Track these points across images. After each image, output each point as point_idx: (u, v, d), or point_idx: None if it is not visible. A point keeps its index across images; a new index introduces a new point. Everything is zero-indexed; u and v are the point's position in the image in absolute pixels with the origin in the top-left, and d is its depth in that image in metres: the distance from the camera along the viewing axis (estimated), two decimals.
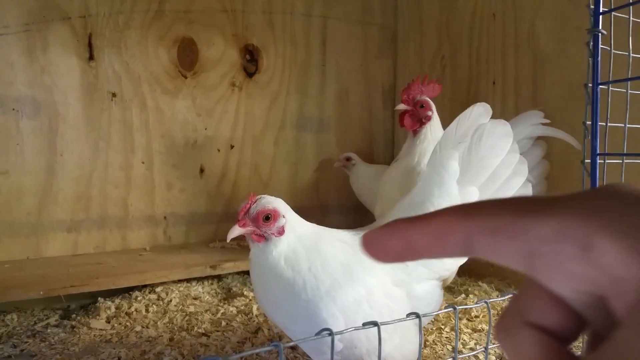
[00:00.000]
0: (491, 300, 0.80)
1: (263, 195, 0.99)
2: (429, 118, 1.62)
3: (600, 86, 0.80)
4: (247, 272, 1.91)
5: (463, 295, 1.69)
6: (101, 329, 1.50)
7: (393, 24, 2.47)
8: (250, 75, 2.14)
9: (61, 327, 1.51)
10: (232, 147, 2.12)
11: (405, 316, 0.67)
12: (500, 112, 1.98)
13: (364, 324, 0.65)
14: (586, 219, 0.22)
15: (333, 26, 2.31)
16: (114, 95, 1.89)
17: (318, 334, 0.62)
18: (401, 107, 1.62)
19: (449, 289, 1.81)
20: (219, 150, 2.10)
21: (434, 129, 1.62)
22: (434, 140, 1.59)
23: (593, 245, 0.21)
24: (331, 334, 0.61)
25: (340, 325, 0.92)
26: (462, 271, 2.00)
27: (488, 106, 1.13)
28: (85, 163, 1.85)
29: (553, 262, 0.22)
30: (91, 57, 1.85)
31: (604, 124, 0.81)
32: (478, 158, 1.11)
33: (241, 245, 2.02)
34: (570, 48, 1.73)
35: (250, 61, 2.14)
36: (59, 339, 1.42)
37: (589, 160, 0.78)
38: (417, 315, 0.66)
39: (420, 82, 1.65)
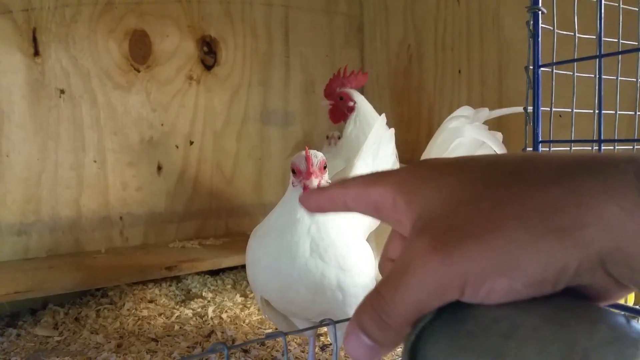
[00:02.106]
0: None
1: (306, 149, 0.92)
2: (351, 109, 1.62)
3: (543, 68, 0.74)
4: (207, 273, 1.85)
5: None
6: (47, 336, 1.42)
7: (359, 13, 2.40)
8: (208, 68, 2.06)
9: (5, 335, 1.43)
10: (191, 143, 2.05)
11: None
12: (467, 102, 1.93)
13: None
14: (395, 186, 0.33)
15: (295, 16, 2.24)
16: (62, 92, 1.80)
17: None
18: (324, 102, 1.64)
19: None
20: (177, 147, 2.02)
21: (360, 117, 1.62)
22: (361, 127, 1.60)
23: (396, 203, 0.32)
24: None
25: None
26: None
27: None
28: (33, 163, 1.76)
29: (385, 214, 0.34)
30: (36, 53, 1.75)
31: (547, 109, 0.76)
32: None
33: (202, 245, 1.95)
34: None
35: (208, 53, 2.06)
36: (1, 349, 1.35)
37: (531, 149, 0.72)
38: None
39: (341, 75, 1.65)
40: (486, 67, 1.87)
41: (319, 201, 0.39)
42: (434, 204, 0.30)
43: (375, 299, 0.30)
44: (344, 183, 0.37)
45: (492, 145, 1.38)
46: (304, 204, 0.39)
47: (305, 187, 0.88)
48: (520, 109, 1.57)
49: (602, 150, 0.69)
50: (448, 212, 0.29)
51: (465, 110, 1.46)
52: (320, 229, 0.90)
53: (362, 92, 2.42)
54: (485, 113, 1.43)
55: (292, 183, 0.93)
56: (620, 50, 0.76)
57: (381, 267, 0.38)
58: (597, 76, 0.68)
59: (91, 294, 1.66)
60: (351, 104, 1.62)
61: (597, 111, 0.70)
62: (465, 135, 1.40)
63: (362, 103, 1.64)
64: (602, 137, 0.69)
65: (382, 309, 0.30)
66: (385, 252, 0.37)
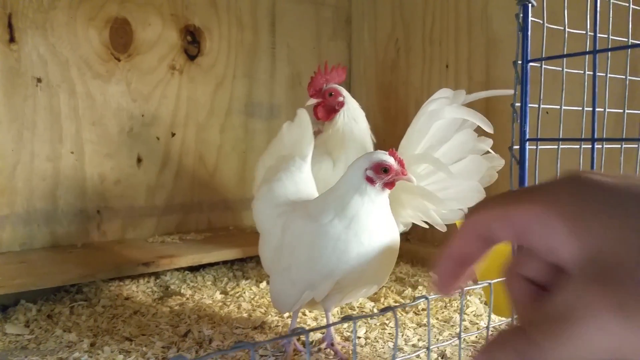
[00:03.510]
0: (432, 297, 0.71)
1: None
2: (341, 104, 1.61)
3: (532, 63, 0.70)
4: (187, 269, 1.80)
5: (410, 290, 1.60)
6: (18, 334, 1.37)
7: (347, 5, 2.36)
8: (192, 58, 2.01)
9: None
10: (173, 134, 2.00)
11: None
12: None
13: None
14: (551, 208, 0.29)
15: (283, 7, 2.19)
16: (39, 80, 1.74)
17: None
18: (311, 102, 1.62)
19: (399, 280, 1.73)
20: (158, 139, 1.97)
21: (349, 112, 1.62)
22: (350, 121, 1.61)
23: (551, 227, 0.29)
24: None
25: None
26: (416, 260, 1.92)
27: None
28: (7, 154, 1.71)
29: (531, 238, 0.31)
30: (12, 40, 1.69)
31: (535, 105, 0.72)
32: None
33: (183, 240, 1.91)
34: None
35: (192, 43, 2.01)
36: None
37: (518, 147, 0.69)
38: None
39: (323, 72, 1.63)
40: (474, 61, 1.84)
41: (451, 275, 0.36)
42: (608, 246, 0.26)
43: (522, 342, 0.27)
44: (472, 213, 0.34)
45: (475, 120, 1.35)
46: (442, 289, 0.38)
47: (392, 184, 1.05)
48: (498, 92, 1.56)
49: (595, 149, 0.66)
50: (627, 261, 0.25)
51: (444, 92, 1.43)
52: (385, 214, 1.08)
53: (348, 86, 2.40)
54: (463, 95, 1.39)
55: (370, 180, 1.04)
56: (610, 46, 0.72)
57: (509, 284, 0.35)
58: (592, 73, 0.65)
59: (65, 290, 1.60)
60: (341, 99, 1.61)
61: (589, 109, 0.66)
62: (445, 116, 1.38)
63: (349, 97, 1.64)
64: (595, 136, 0.65)
65: (529, 355, 0.26)
66: (514, 267, 0.34)
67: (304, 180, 1.31)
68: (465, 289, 0.74)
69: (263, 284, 1.69)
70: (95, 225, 1.88)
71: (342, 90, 1.63)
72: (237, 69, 2.10)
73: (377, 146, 2.37)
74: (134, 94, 1.90)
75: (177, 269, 1.78)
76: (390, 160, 1.04)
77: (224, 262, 1.86)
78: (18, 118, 1.72)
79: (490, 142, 1.37)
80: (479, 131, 1.35)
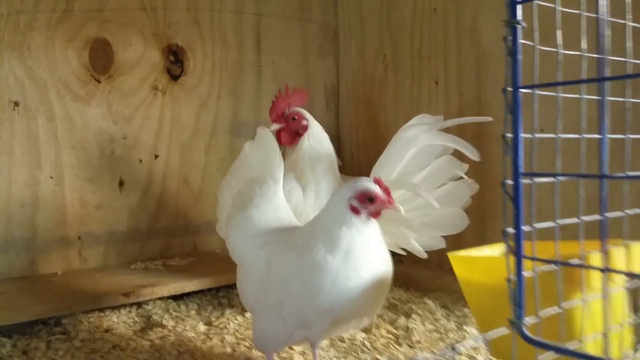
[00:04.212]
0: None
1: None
2: (305, 127, 1.59)
3: (523, 90, 0.65)
4: (170, 298, 1.73)
5: (403, 319, 1.54)
6: None
7: (334, 21, 2.32)
8: (175, 78, 1.96)
9: None
10: (156, 156, 1.94)
11: None
12: (445, 114, 1.85)
13: None
14: None
15: (268, 24, 2.15)
16: (16, 104, 1.68)
17: None
18: (274, 127, 1.58)
19: (392, 307, 1.67)
20: (140, 161, 1.91)
21: (313, 135, 1.59)
22: (315, 144, 1.57)
23: None
24: None
25: None
26: (410, 284, 1.87)
27: None
28: None
29: None
30: None
31: (529, 135, 0.67)
32: None
33: (166, 265, 1.85)
34: None
35: (175, 62, 1.96)
36: None
37: (511, 182, 0.64)
38: None
39: (284, 95, 1.60)
40: (464, 77, 1.80)
41: None
42: None
43: None
44: None
45: (456, 147, 1.32)
46: None
47: (379, 213, 1.00)
48: (475, 119, 1.52)
49: (604, 188, 0.61)
50: None
51: (422, 118, 1.40)
52: (377, 242, 1.04)
53: (336, 102, 2.35)
54: (441, 121, 1.37)
55: (355, 210, 0.99)
56: (609, 67, 0.68)
57: None
58: (600, 99, 0.60)
59: (43, 322, 1.53)
60: (305, 122, 1.58)
61: (590, 136, 0.61)
62: (422, 143, 1.35)
63: (312, 120, 1.60)
64: (605, 172, 0.60)
65: None
66: None
67: (282, 206, 1.25)
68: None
69: (249, 314, 1.62)
70: (76, 252, 1.81)
71: (305, 113, 1.60)
72: (221, 88, 2.05)
73: (365, 165, 2.34)
74: (115, 116, 1.85)
75: (161, 298, 1.71)
76: (376, 189, 1.00)
77: (209, 290, 1.79)
78: None
79: (466, 167, 1.34)
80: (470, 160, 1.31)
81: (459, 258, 1.09)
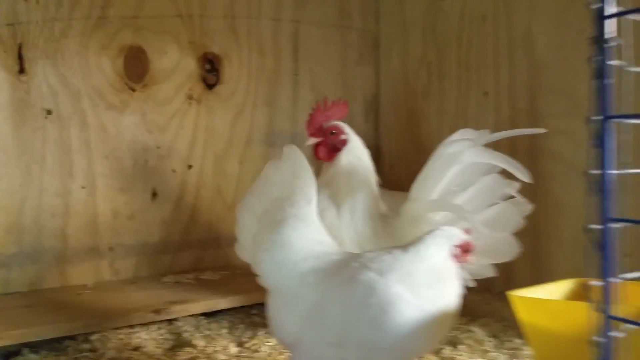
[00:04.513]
0: None
1: None
2: (344, 142, 1.47)
3: (613, 120, 0.55)
4: (202, 315, 1.67)
5: (448, 350, 1.43)
6: None
7: (374, 28, 2.23)
8: (210, 86, 1.91)
9: None
10: (190, 167, 1.89)
11: None
12: (494, 126, 1.74)
13: None
14: None
15: (306, 31, 2.08)
16: (49, 112, 1.66)
17: None
18: (311, 141, 1.47)
19: None
20: (174, 171, 1.86)
21: (352, 150, 1.48)
22: (354, 160, 1.46)
23: None
24: None
25: None
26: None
27: None
28: (15, 190, 1.62)
29: None
30: (22, 70, 1.61)
31: (617, 171, 0.57)
32: None
33: (198, 280, 1.79)
34: (573, 53, 1.50)
35: (211, 71, 1.91)
36: None
37: (600, 226, 0.53)
38: None
39: (322, 108, 1.49)
40: (516, 88, 1.69)
41: None
42: None
43: None
44: None
45: (504, 165, 1.22)
46: None
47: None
48: (528, 131, 1.43)
49: None
50: None
51: (464, 133, 1.30)
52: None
53: (376, 113, 2.26)
54: (487, 136, 1.26)
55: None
56: None
57: None
58: None
59: (70, 338, 1.49)
60: (344, 137, 1.47)
61: None
62: (465, 161, 1.25)
63: (352, 135, 1.49)
64: None
65: None
66: None
67: (320, 228, 1.16)
68: None
69: None
70: (108, 263, 1.78)
71: (345, 127, 1.49)
72: (257, 97, 1.99)
73: (405, 179, 2.23)
74: (149, 125, 1.81)
75: (192, 315, 1.65)
76: (461, 238, 0.98)
77: (241, 307, 1.72)
78: (27, 151, 1.63)
79: (517, 185, 1.23)
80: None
81: (522, 300, 0.98)
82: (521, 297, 0.99)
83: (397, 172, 2.17)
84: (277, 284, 1.11)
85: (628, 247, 0.62)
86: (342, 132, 1.49)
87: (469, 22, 1.82)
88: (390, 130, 2.20)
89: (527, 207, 1.23)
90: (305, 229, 1.14)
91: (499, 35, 1.73)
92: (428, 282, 0.95)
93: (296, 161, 1.17)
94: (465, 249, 0.98)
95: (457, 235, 0.98)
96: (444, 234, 0.99)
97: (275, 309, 1.10)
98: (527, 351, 1.43)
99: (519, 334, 1.54)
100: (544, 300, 1.02)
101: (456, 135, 1.30)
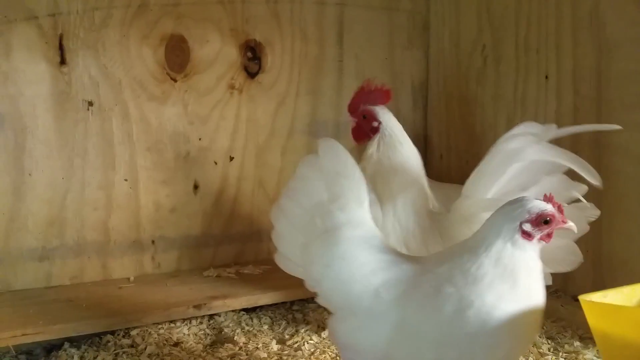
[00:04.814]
0: None
1: None
2: (375, 130, 1.39)
3: None
4: (243, 310, 1.63)
5: None
6: None
7: (424, 10, 2.10)
8: (252, 75, 1.85)
9: None
10: (231, 158, 1.84)
11: None
12: (555, 114, 1.61)
13: None
14: None
15: (351, 15, 1.98)
16: (90, 104, 1.64)
17: None
18: (348, 119, 1.45)
19: None
20: (215, 163, 1.82)
21: (384, 140, 1.39)
22: (384, 152, 1.38)
23: None
24: None
25: None
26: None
27: None
28: (57, 183, 1.62)
29: None
30: (63, 62, 1.60)
31: None
32: None
33: (240, 274, 1.75)
34: None
35: (252, 59, 1.84)
36: None
37: None
38: None
39: (366, 89, 1.42)
40: (581, 72, 1.54)
41: None
42: None
43: None
44: None
45: (571, 165, 1.10)
46: None
47: (551, 236, 0.89)
48: (604, 127, 1.28)
49: None
50: None
51: (529, 127, 1.18)
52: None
53: (425, 99, 2.14)
54: (554, 131, 1.15)
55: (527, 235, 0.88)
56: None
57: None
58: None
59: (111, 332, 1.48)
60: (375, 124, 1.40)
61: None
62: (526, 158, 1.14)
63: (388, 124, 1.41)
64: None
65: None
66: None
67: (378, 232, 1.04)
68: None
69: (325, 333, 1.48)
70: (150, 257, 1.76)
71: (379, 113, 1.40)
72: (300, 86, 1.91)
73: (456, 170, 2.11)
74: (191, 116, 1.77)
75: (233, 310, 1.61)
76: (552, 210, 0.89)
77: (282, 303, 1.67)
78: (68, 144, 1.63)
79: (584, 188, 1.11)
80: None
81: (595, 305, 0.88)
82: (593, 302, 0.88)
83: (447, 163, 2.06)
84: (346, 303, 0.97)
85: None
86: (374, 118, 1.40)
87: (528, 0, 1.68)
88: (440, 118, 2.08)
89: (594, 212, 1.11)
90: (365, 236, 1.01)
91: (563, 14, 1.57)
92: (532, 284, 0.89)
93: (338, 156, 1.03)
94: (545, 219, 0.88)
95: (533, 208, 0.88)
96: (507, 211, 0.90)
97: (350, 334, 0.97)
98: (589, 355, 1.31)
99: (579, 336, 1.43)
100: (619, 307, 0.91)
101: (518, 129, 1.18)
